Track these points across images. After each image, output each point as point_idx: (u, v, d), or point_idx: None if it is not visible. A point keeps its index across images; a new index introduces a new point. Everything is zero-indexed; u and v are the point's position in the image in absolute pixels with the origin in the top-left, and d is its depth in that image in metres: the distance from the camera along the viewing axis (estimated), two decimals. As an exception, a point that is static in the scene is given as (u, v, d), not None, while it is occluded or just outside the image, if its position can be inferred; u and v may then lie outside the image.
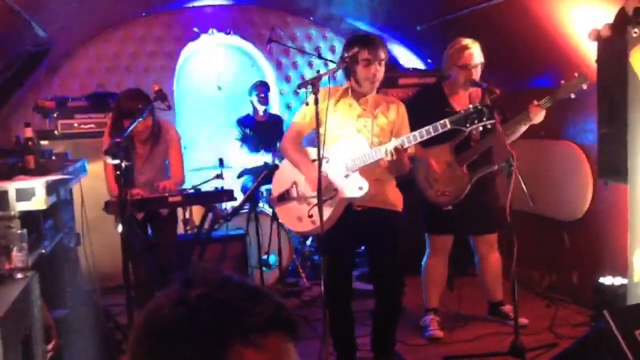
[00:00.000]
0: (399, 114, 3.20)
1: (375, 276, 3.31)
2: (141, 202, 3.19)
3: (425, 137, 2.97)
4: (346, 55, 3.06)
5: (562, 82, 3.46)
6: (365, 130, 3.13)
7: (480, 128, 3.00)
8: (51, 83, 5.53)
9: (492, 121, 2.90)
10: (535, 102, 3.52)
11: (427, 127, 2.95)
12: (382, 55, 3.09)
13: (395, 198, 3.23)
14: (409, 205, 3.41)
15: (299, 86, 2.96)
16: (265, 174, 4.04)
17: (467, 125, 2.91)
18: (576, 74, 3.41)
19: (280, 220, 3.34)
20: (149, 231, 3.83)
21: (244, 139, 5.42)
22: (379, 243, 3.20)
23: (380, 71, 3.11)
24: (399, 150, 2.91)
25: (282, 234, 4.69)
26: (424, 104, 3.63)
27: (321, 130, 2.92)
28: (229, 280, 0.84)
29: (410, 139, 2.96)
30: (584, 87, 3.40)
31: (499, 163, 3.21)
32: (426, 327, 3.79)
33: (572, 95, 3.42)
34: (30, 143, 3.17)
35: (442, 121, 2.94)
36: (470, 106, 2.94)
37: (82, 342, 3.20)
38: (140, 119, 3.30)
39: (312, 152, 3.16)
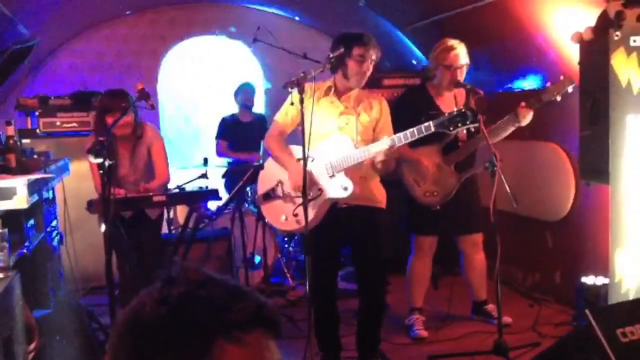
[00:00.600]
0: (381, 111, 3.22)
1: (359, 274, 3.32)
2: (125, 201, 3.16)
3: (409, 140, 3.00)
4: (340, 50, 3.06)
5: (549, 84, 3.48)
6: (347, 128, 3.14)
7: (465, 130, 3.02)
8: (34, 81, 5.47)
9: (475, 124, 2.94)
10: (523, 104, 3.53)
11: (411, 130, 2.98)
12: (374, 56, 3.13)
13: (379, 194, 3.24)
14: (395, 205, 3.42)
15: (285, 86, 2.95)
16: (250, 173, 4.03)
17: (451, 129, 2.95)
18: (561, 77, 3.43)
19: (265, 219, 3.33)
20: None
21: (226, 137, 5.41)
22: (362, 241, 3.21)
23: (370, 70, 3.14)
24: (391, 150, 2.94)
25: (267, 234, 4.68)
26: (410, 106, 3.65)
27: (306, 127, 2.92)
28: (210, 278, 0.85)
29: (400, 139, 2.98)
30: (570, 90, 3.42)
31: (485, 163, 3.23)
32: (411, 326, 3.80)
33: (558, 98, 3.43)
34: (11, 141, 3.13)
35: (426, 124, 2.97)
36: (455, 110, 2.98)
37: (65, 342, 3.17)
38: (124, 117, 3.28)
39: (296, 150, 3.16)
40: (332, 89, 3.17)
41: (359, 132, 3.14)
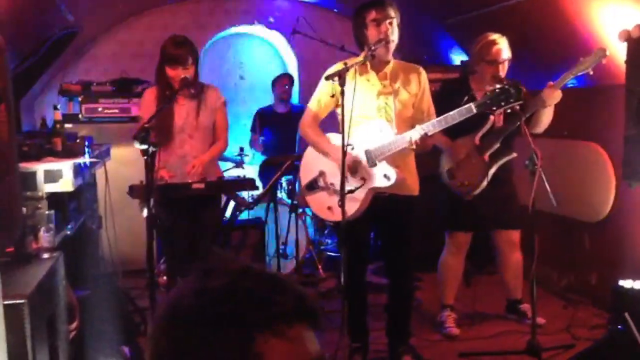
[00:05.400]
0: (420, 84, 3.13)
1: (389, 261, 3.35)
2: (165, 188, 3.20)
3: (450, 124, 2.91)
4: (356, 24, 3.01)
5: (581, 58, 3.30)
6: (386, 108, 3.08)
7: (502, 111, 2.82)
8: (76, 67, 5.58)
9: (520, 102, 2.80)
10: (551, 83, 3.37)
11: (451, 113, 2.89)
12: (392, 13, 2.96)
13: (413, 182, 3.19)
14: (429, 201, 3.40)
15: (326, 78, 2.94)
16: (288, 164, 4.05)
17: (494, 109, 2.82)
18: (595, 49, 3.26)
19: (312, 210, 3.34)
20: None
21: (259, 131, 5.45)
22: (394, 229, 3.21)
23: (392, 31, 2.97)
24: (423, 138, 2.90)
25: (299, 225, 4.71)
26: (450, 96, 3.55)
27: (340, 111, 2.88)
28: (250, 269, 0.84)
29: (435, 125, 2.92)
30: (603, 61, 3.28)
31: (525, 161, 3.16)
32: (442, 323, 3.78)
33: (591, 72, 3.27)
34: (58, 126, 3.21)
35: (467, 106, 2.86)
36: (497, 86, 2.84)
37: (102, 323, 3.25)
38: (164, 107, 3.27)
39: (333, 139, 3.13)
40: (369, 64, 3.04)
41: (397, 113, 3.08)
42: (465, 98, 3.29)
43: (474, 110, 2.86)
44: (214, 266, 0.84)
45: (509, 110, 2.85)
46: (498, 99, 2.80)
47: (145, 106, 3.47)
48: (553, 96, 3.34)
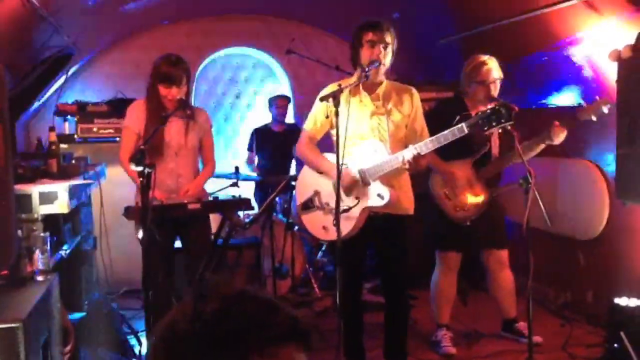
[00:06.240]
0: (412, 105, 3.17)
1: (385, 281, 3.35)
2: (160, 209, 3.19)
3: (442, 143, 2.95)
4: (353, 44, 3.06)
5: (584, 104, 3.43)
6: (380, 129, 3.11)
7: (497, 138, 2.92)
8: (72, 88, 5.60)
9: (511, 122, 2.85)
10: (557, 123, 3.49)
11: (444, 133, 2.92)
12: (388, 39, 3.02)
13: (408, 202, 3.22)
14: (422, 219, 3.41)
15: (321, 99, 2.96)
16: (284, 184, 4.06)
17: (486, 129, 2.87)
18: (597, 98, 3.40)
19: (307, 229, 3.34)
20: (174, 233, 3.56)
21: (257, 149, 5.47)
22: (389, 249, 3.22)
23: (385, 55, 3.03)
24: (416, 158, 2.92)
25: (295, 244, 4.71)
26: (445, 115, 3.59)
27: (335, 132, 2.90)
28: (242, 293, 0.86)
29: (428, 145, 2.95)
30: (605, 110, 3.38)
31: (519, 179, 3.19)
32: (439, 343, 3.77)
33: (594, 119, 3.39)
34: (54, 147, 3.21)
35: (459, 125, 2.90)
36: (488, 107, 2.90)
37: (97, 345, 3.23)
38: (161, 127, 3.26)
39: (329, 158, 3.16)
40: (360, 86, 3.09)
41: (390, 133, 3.11)
42: (457, 118, 3.33)
43: (466, 130, 2.90)
44: (207, 291, 0.85)
45: (500, 130, 2.90)
46: (489, 119, 2.85)
47: (135, 118, 3.44)
48: (560, 136, 3.48)
